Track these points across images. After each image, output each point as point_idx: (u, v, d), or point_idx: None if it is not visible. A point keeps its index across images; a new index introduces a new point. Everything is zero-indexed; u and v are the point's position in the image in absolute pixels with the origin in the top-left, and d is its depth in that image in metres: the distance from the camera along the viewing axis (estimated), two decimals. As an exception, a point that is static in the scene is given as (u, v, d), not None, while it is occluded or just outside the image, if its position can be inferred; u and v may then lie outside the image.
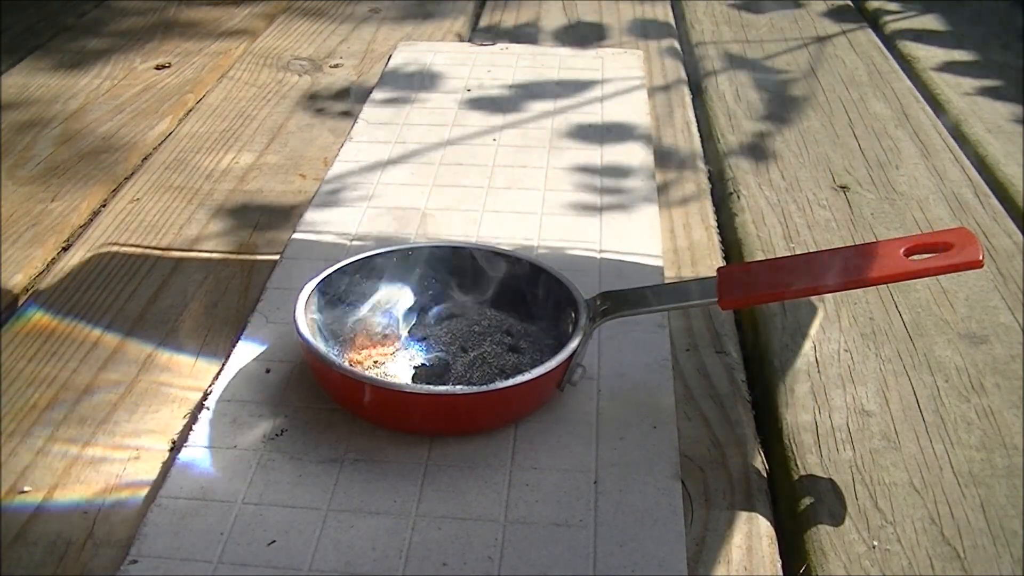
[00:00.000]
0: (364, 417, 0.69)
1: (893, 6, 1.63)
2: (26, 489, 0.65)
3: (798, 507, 0.66)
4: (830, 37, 1.49)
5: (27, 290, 0.87)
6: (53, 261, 0.92)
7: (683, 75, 1.34)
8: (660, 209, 0.98)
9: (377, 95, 1.22)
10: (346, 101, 1.24)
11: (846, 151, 1.14)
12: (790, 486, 0.68)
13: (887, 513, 0.65)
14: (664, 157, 1.10)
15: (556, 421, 0.70)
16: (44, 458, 0.68)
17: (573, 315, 0.73)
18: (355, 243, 0.90)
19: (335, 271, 0.77)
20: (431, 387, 0.69)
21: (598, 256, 0.89)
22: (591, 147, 1.09)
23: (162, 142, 1.14)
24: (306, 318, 0.72)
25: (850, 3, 1.64)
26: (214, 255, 0.92)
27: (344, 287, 0.77)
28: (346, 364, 0.72)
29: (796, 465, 0.69)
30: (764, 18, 1.57)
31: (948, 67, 1.38)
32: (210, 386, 0.73)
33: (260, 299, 0.83)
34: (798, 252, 0.92)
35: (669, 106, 1.24)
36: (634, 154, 1.07)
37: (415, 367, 0.74)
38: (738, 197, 1.04)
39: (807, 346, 0.81)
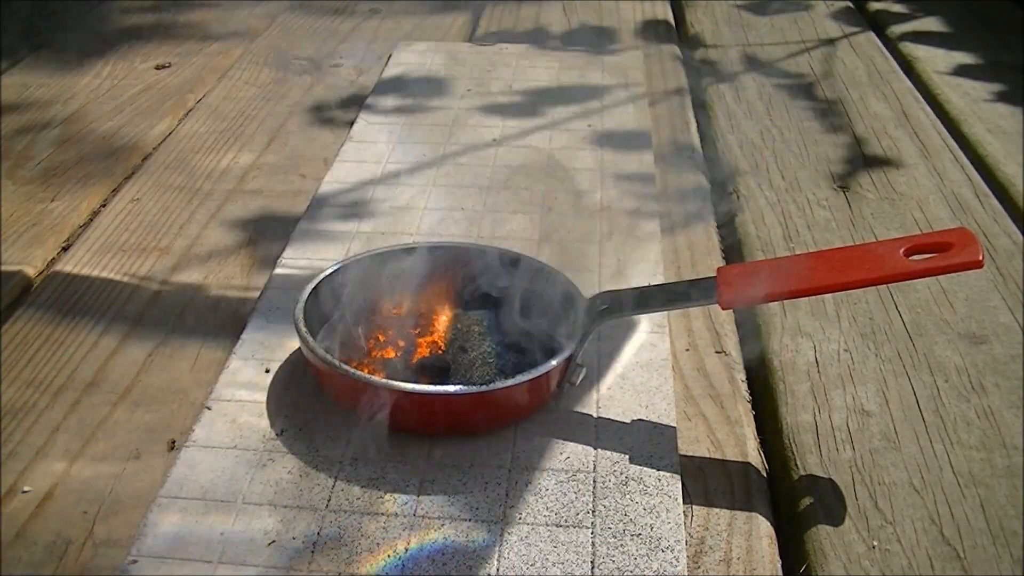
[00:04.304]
0: (364, 417, 0.69)
1: (894, 7, 1.63)
2: (26, 489, 0.65)
3: (798, 507, 0.66)
4: (830, 37, 1.49)
5: (27, 290, 0.87)
6: (53, 261, 0.92)
7: (683, 75, 1.34)
8: (660, 209, 0.98)
9: (377, 95, 1.22)
10: (346, 101, 1.24)
11: (846, 151, 1.14)
12: (790, 486, 0.68)
13: (887, 513, 0.65)
14: (664, 157, 1.10)
15: (556, 421, 0.70)
16: (44, 458, 0.68)
17: (573, 315, 0.73)
18: (355, 243, 0.90)
19: (335, 271, 0.77)
20: (431, 387, 0.69)
21: (598, 256, 0.89)
22: (591, 147, 1.09)
23: (162, 142, 1.14)
24: (306, 318, 0.72)
25: (850, 4, 1.64)
26: (214, 255, 0.92)
27: (344, 287, 0.77)
28: (346, 365, 0.72)
29: (796, 465, 0.69)
30: (764, 19, 1.57)
31: (948, 67, 1.38)
32: (210, 386, 0.73)
33: (260, 299, 0.83)
34: (798, 252, 0.92)
35: (669, 106, 1.24)
36: (634, 154, 1.07)
37: (415, 367, 0.74)
38: (738, 197, 1.04)
39: (807, 346, 0.81)
